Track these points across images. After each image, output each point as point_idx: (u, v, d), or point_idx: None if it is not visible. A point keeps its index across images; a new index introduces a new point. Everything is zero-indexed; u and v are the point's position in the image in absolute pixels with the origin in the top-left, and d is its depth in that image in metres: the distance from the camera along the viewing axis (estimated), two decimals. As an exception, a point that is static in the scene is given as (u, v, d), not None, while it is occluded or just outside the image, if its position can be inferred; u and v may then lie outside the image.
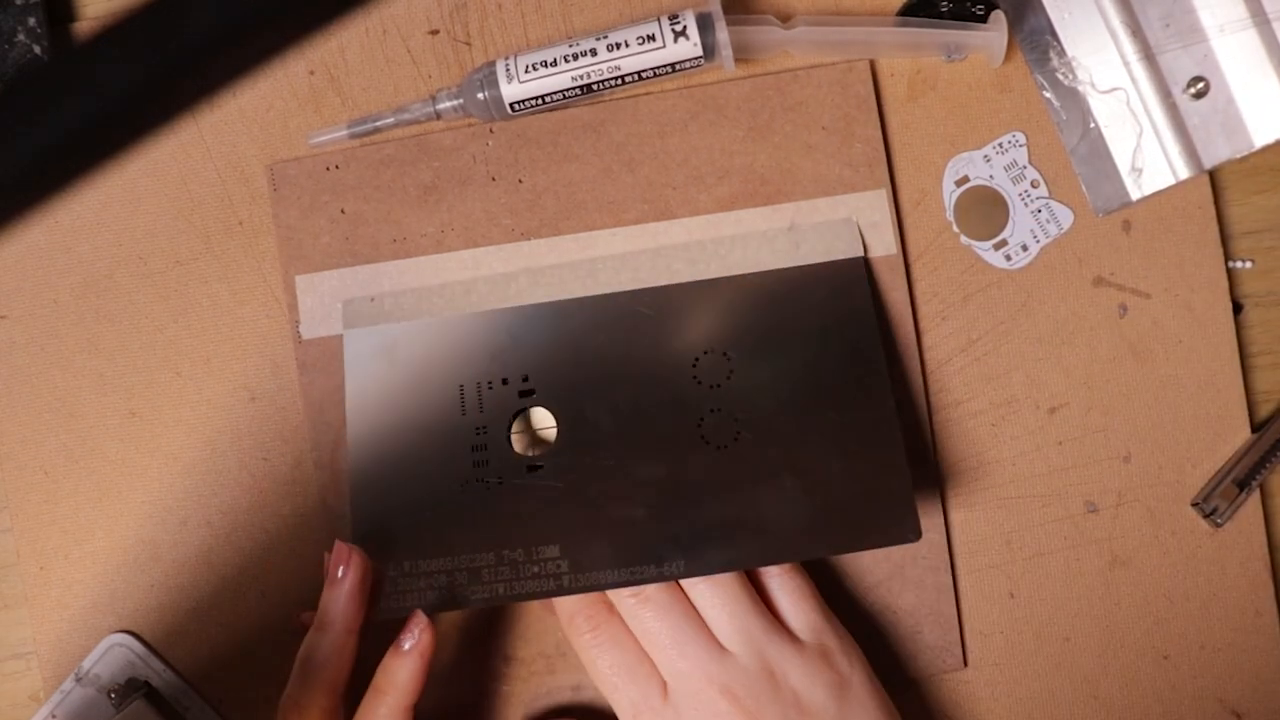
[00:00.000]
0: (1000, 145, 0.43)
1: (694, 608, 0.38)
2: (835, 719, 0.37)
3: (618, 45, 0.41)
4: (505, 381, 0.41)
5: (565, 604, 0.39)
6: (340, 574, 0.37)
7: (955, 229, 0.43)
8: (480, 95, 0.41)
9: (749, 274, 0.41)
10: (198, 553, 0.42)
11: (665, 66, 0.41)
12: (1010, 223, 0.43)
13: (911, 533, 0.38)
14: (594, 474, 0.39)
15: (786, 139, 0.42)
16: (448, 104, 0.42)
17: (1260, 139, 0.40)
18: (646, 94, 0.43)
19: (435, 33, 0.43)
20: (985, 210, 0.43)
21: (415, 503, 0.40)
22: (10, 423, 0.43)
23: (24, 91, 0.17)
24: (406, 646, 0.37)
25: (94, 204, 0.43)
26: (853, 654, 0.39)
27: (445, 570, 0.39)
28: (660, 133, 0.42)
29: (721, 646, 0.37)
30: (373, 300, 0.42)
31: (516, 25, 0.43)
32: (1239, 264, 0.44)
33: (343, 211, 0.43)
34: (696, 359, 0.40)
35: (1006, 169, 0.43)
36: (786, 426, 0.39)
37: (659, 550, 0.38)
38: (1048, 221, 0.43)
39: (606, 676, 0.38)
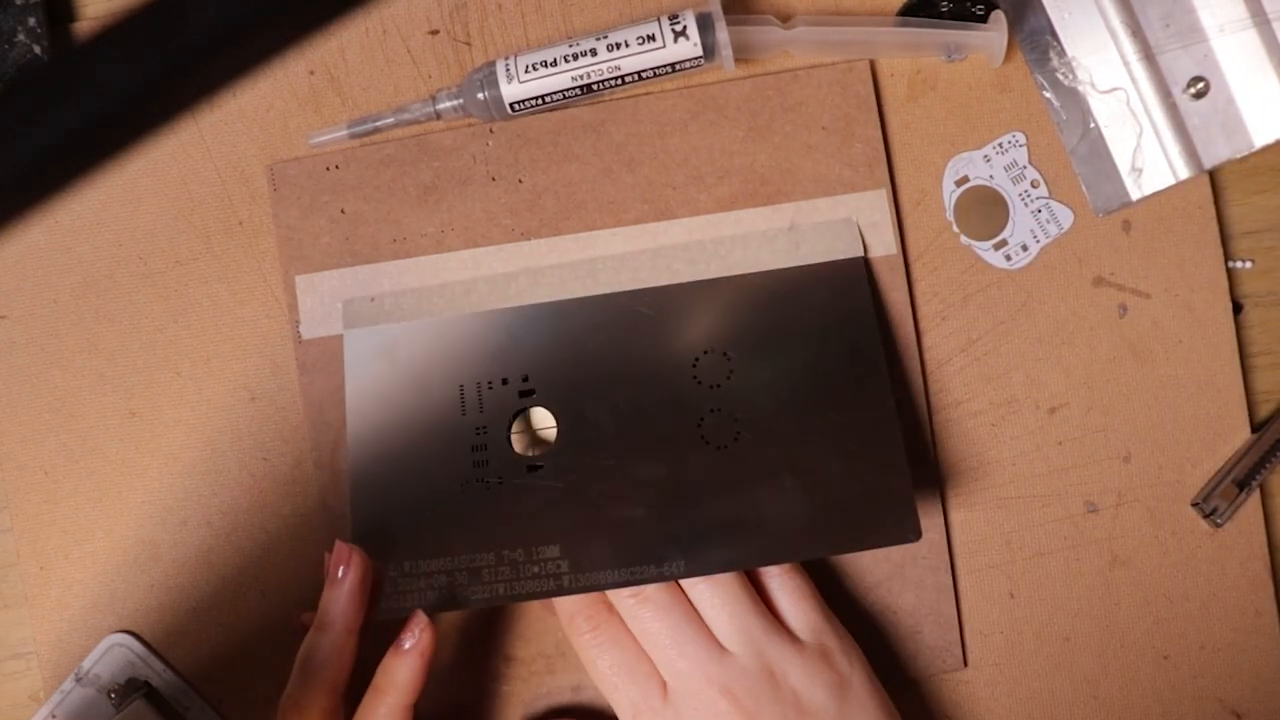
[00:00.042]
0: (1000, 145, 0.43)
1: (694, 608, 0.38)
2: (835, 719, 0.37)
3: (618, 45, 0.41)
4: (505, 381, 0.41)
5: (565, 604, 0.39)
6: (340, 574, 0.37)
7: (955, 229, 0.43)
8: (480, 95, 0.41)
9: (749, 274, 0.41)
10: (198, 553, 0.42)
11: (665, 66, 0.41)
12: (1010, 223, 0.43)
13: (911, 533, 0.38)
14: (594, 474, 0.39)
15: (786, 139, 0.42)
16: (448, 104, 0.42)
17: (1260, 139, 0.40)
18: (646, 94, 0.43)
19: (435, 33, 0.43)
20: (985, 210, 0.43)
21: (415, 503, 0.40)
22: (10, 423, 0.43)
23: (24, 91, 0.17)
24: (406, 646, 0.37)
25: (94, 204, 0.43)
26: (853, 654, 0.39)
27: (445, 570, 0.39)
28: (660, 133, 0.42)
29: (721, 646, 0.37)
30: (373, 300, 0.42)
31: (516, 25, 0.43)
32: (1239, 264, 0.44)
33: (343, 211, 0.43)
34: (696, 359, 0.40)
35: (1006, 169, 0.43)
36: (786, 426, 0.39)
37: (659, 550, 0.38)
38: (1048, 221, 0.43)
39: (606, 676, 0.38)
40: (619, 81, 0.41)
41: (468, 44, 0.43)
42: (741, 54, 0.41)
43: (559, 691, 0.42)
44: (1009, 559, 0.43)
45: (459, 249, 0.42)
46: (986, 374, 0.43)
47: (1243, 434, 0.43)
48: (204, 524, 0.42)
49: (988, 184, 0.43)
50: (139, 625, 0.42)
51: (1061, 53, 0.42)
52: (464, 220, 0.42)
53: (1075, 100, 0.42)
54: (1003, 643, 0.43)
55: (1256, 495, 0.42)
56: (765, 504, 0.38)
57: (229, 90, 0.18)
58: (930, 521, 0.42)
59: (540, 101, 0.41)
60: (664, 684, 0.38)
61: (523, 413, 0.41)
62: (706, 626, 0.38)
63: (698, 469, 0.39)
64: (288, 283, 0.43)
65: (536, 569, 0.38)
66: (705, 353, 0.40)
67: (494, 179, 0.42)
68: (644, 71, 0.41)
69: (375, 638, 0.38)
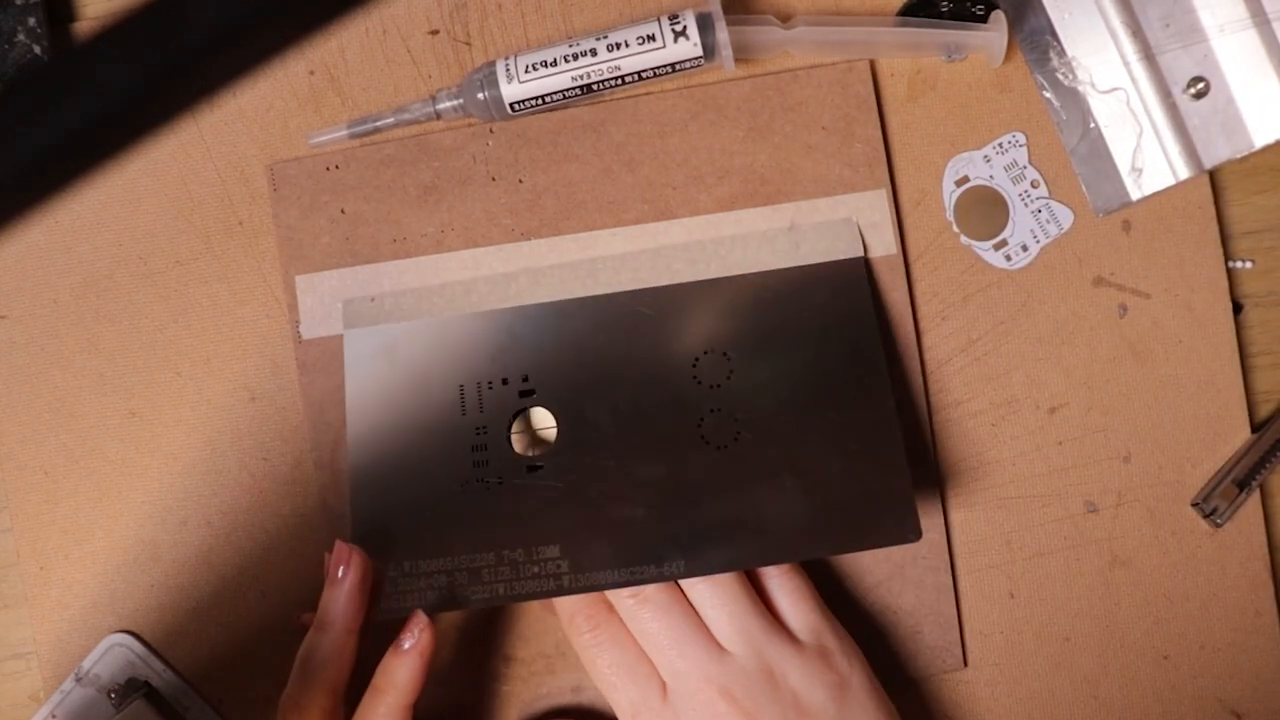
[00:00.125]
0: (1000, 145, 0.43)
1: (693, 608, 0.38)
2: (834, 719, 0.37)
3: (618, 45, 0.41)
4: (505, 381, 0.41)
5: (565, 604, 0.39)
6: (340, 574, 0.37)
7: (955, 229, 0.43)
8: (480, 95, 0.41)
9: (749, 274, 0.41)
10: (198, 553, 0.42)
11: (665, 66, 0.41)
12: (1010, 223, 0.43)
13: (911, 533, 0.38)
14: (594, 474, 0.39)
15: (786, 139, 0.42)
16: (448, 104, 0.42)
17: (1260, 139, 0.40)
18: (646, 94, 0.43)
19: (435, 33, 0.43)
20: (985, 210, 0.43)
21: (415, 503, 0.40)
22: (10, 423, 0.43)
23: (24, 91, 0.17)
24: (406, 646, 0.37)
25: (94, 204, 0.43)
26: (852, 654, 0.39)
27: (445, 570, 0.39)
28: (660, 133, 0.42)
29: (721, 647, 0.37)
30: (373, 300, 0.42)
31: (516, 25, 0.43)
32: (1239, 264, 0.44)
33: (343, 211, 0.43)
34: (696, 359, 0.40)
35: (1006, 169, 0.43)
36: (786, 426, 0.39)
37: (659, 550, 0.38)
38: (1048, 221, 0.43)
39: (606, 676, 0.38)
40: (619, 81, 0.41)
41: (468, 44, 0.43)
42: (741, 54, 0.41)
43: (559, 692, 0.42)
44: (1009, 559, 0.43)
45: (459, 249, 0.42)
46: (986, 374, 0.43)
47: (1243, 434, 0.43)
48: (204, 524, 0.42)
49: (988, 184, 0.43)
50: (139, 625, 0.42)
51: (1061, 53, 0.42)
52: (464, 220, 0.42)
53: (1075, 100, 0.42)
54: (1003, 643, 0.43)
55: (1256, 495, 0.42)
56: (765, 504, 0.38)
57: (229, 90, 0.18)
58: (930, 521, 0.42)
59: (540, 101, 0.41)
60: (663, 684, 0.38)
61: (523, 413, 0.41)
62: (706, 627, 0.38)
63: (698, 469, 0.39)
64: (288, 283, 0.43)
65: (536, 569, 0.38)
66: (705, 353, 0.40)
67: (494, 179, 0.42)
68: (644, 71, 0.41)
69: (375, 638, 0.38)
